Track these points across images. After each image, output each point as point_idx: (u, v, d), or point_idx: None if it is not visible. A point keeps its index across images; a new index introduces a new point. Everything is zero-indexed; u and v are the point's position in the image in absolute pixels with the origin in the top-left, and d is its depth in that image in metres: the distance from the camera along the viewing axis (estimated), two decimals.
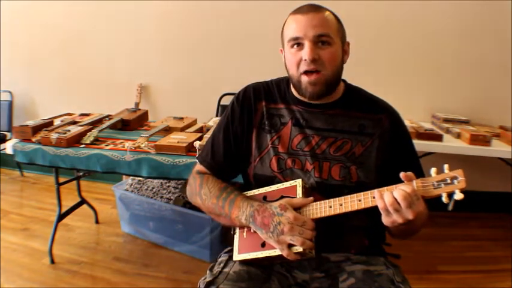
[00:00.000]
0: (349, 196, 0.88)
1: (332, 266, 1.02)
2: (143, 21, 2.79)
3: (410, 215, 0.79)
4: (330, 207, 0.90)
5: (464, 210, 2.64)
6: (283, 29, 1.04)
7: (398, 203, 0.79)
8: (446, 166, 0.82)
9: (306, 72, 0.97)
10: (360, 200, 0.86)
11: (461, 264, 2.08)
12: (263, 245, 0.94)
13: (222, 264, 1.02)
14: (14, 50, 3.06)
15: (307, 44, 0.95)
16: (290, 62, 1.00)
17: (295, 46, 0.98)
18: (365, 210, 0.94)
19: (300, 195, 0.93)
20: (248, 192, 1.04)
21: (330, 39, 0.96)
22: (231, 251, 1.05)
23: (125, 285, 1.84)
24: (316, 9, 0.98)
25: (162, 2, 2.72)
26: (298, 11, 0.99)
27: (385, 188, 0.84)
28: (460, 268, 2.04)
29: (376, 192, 0.83)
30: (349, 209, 0.87)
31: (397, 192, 0.79)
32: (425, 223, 0.95)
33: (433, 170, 0.83)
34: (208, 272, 1.01)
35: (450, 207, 0.79)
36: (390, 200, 0.79)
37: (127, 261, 2.03)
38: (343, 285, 0.98)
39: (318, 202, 0.92)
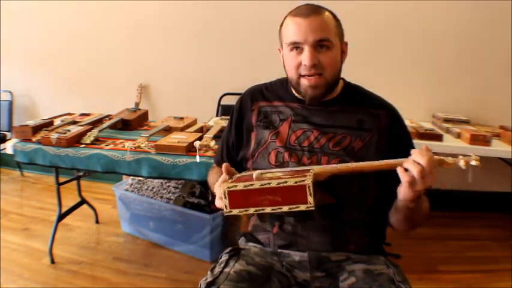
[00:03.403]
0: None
1: (332, 266, 1.02)
2: (143, 21, 2.79)
3: (430, 181, 0.81)
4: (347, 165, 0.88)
5: (464, 210, 2.64)
6: (281, 28, 1.04)
7: (424, 170, 0.80)
8: (460, 156, 0.85)
9: (305, 76, 0.98)
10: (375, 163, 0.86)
11: (461, 264, 2.08)
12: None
13: (222, 265, 1.01)
14: (14, 50, 3.06)
15: (307, 49, 0.96)
16: (289, 65, 1.01)
17: (294, 50, 0.98)
18: (365, 207, 0.94)
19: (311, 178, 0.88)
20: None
21: (329, 43, 0.97)
22: (232, 251, 1.05)
23: (125, 285, 1.84)
24: (316, 11, 0.97)
25: (162, 2, 2.72)
26: (298, 12, 0.98)
27: (399, 160, 0.84)
28: (460, 268, 2.04)
29: (398, 168, 0.83)
30: (363, 166, 0.86)
31: (423, 159, 0.80)
32: (426, 216, 0.97)
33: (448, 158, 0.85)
34: (209, 272, 1.00)
35: (470, 179, 0.81)
36: (418, 168, 0.80)
37: (127, 261, 2.03)
38: (344, 284, 0.98)
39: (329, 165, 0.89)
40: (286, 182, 0.77)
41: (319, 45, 0.96)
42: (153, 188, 2.20)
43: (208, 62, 2.78)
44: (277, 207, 0.80)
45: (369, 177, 0.97)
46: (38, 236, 2.23)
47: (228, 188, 0.79)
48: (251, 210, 0.82)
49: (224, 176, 0.91)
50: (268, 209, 0.81)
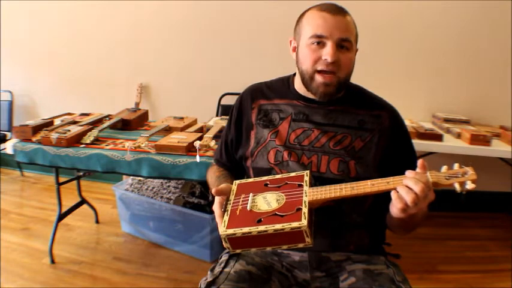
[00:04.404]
0: (361, 182, 0.86)
1: (332, 266, 1.02)
2: (143, 21, 2.79)
3: (424, 205, 0.80)
4: (341, 189, 0.86)
5: (464, 210, 2.64)
6: (301, 19, 1.03)
7: (418, 198, 0.78)
8: (456, 165, 0.83)
9: (321, 72, 0.98)
10: (373, 184, 0.84)
11: (461, 264, 2.08)
12: (259, 221, 0.85)
13: (222, 264, 1.01)
14: (14, 50, 3.07)
15: (330, 45, 0.95)
16: (306, 57, 0.99)
17: (316, 43, 0.97)
18: (365, 207, 0.94)
19: (307, 183, 0.91)
20: (249, 179, 1.02)
21: (350, 45, 0.98)
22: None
23: (125, 285, 1.84)
24: (343, 12, 0.99)
25: (162, 2, 2.72)
26: (325, 8, 0.98)
27: (393, 178, 0.82)
28: (460, 268, 2.04)
29: (392, 193, 0.81)
30: (361, 191, 0.84)
31: (417, 185, 0.78)
32: (424, 217, 0.95)
33: (444, 167, 0.83)
34: (209, 272, 1.00)
35: (462, 200, 0.81)
36: (412, 197, 0.78)
37: (127, 261, 2.03)
38: (344, 284, 0.98)
39: (328, 186, 0.88)
40: (283, 229, 0.81)
41: (341, 44, 0.96)
42: (153, 188, 2.21)
43: (208, 62, 2.78)
44: (277, 247, 0.84)
45: (368, 179, 0.96)
46: (38, 236, 2.23)
47: (227, 235, 0.83)
48: (253, 250, 0.87)
49: (220, 202, 0.91)
50: (269, 248, 0.86)
